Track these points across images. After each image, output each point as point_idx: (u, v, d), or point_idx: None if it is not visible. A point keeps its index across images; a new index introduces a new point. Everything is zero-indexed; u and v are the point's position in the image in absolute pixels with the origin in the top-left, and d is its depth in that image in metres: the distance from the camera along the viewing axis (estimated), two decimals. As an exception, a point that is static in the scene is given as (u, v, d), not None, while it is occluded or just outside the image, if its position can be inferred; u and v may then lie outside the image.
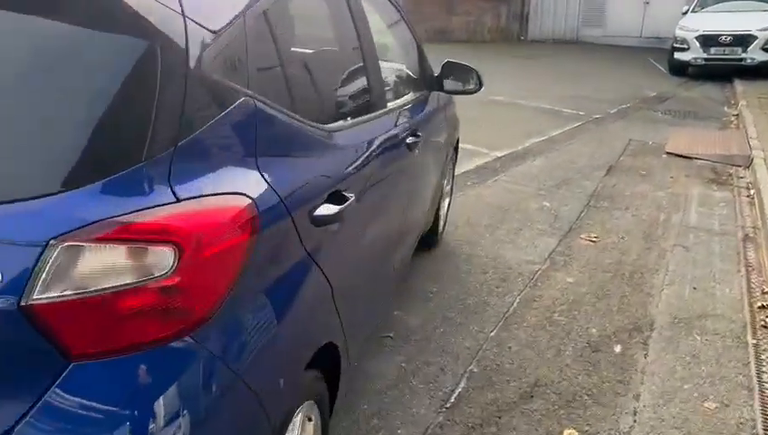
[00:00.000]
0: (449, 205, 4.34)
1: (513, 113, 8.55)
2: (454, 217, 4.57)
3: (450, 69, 3.30)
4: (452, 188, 4.38)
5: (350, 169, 1.92)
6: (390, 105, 2.61)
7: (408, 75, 3.23)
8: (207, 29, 1.36)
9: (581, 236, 4.47)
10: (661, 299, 3.60)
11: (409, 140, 2.61)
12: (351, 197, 1.79)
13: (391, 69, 3.11)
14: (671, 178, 5.92)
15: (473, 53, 14.45)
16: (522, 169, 6.00)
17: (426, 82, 3.30)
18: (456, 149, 4.22)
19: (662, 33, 16.91)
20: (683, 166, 6.32)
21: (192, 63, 1.29)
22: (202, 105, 1.32)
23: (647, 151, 6.83)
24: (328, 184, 1.72)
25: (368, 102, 2.33)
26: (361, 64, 2.30)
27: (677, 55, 12.55)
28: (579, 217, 4.82)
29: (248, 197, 1.34)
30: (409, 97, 3.03)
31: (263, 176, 1.43)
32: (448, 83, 3.31)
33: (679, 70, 12.64)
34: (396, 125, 2.49)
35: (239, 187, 1.34)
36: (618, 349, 3.10)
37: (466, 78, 3.31)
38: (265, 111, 1.49)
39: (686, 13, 13.38)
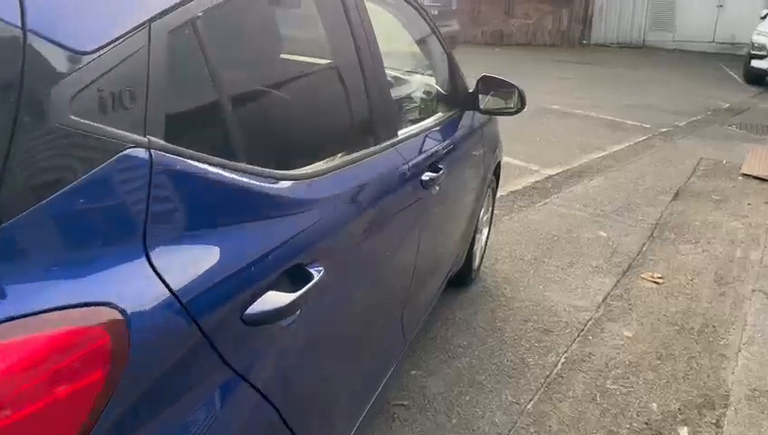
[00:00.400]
0: (488, 236, 3.80)
1: (569, 125, 7.90)
2: (494, 249, 4.03)
3: (487, 85, 2.77)
4: (492, 218, 3.85)
5: (324, 229, 1.43)
6: (404, 133, 2.11)
7: (435, 93, 2.72)
8: (70, 49, 0.90)
9: (643, 275, 3.86)
10: (738, 363, 2.98)
11: (426, 176, 2.10)
12: (319, 272, 1.30)
13: (411, 86, 2.62)
14: (749, 205, 5.21)
15: (530, 58, 13.81)
16: (576, 191, 5.39)
17: (458, 99, 2.78)
18: (498, 173, 3.68)
19: (737, 39, 15.84)
20: (762, 190, 5.58)
21: (31, 101, 0.83)
22: (47, 165, 0.85)
23: (720, 172, 6.10)
24: (280, 260, 1.23)
25: (367, 132, 1.84)
26: (360, 82, 1.81)
27: (755, 63, 11.57)
28: (640, 252, 4.20)
29: (114, 308, 0.87)
30: (435, 119, 2.52)
31: (153, 267, 0.95)
32: (485, 101, 2.78)
33: (756, 79, 11.64)
34: (407, 159, 1.99)
35: (100, 292, 0.87)
36: (684, 432, 2.51)
37: (507, 96, 2.78)
38: (170, 165, 1.02)
39: (765, 17, 12.35)
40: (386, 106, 1.95)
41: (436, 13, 10.34)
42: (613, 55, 15.58)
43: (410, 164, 2.01)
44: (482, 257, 3.72)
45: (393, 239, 1.91)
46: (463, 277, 3.46)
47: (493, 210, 3.84)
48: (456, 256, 3.04)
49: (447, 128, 2.60)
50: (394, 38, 2.53)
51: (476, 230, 3.40)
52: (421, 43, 2.72)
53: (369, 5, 1.95)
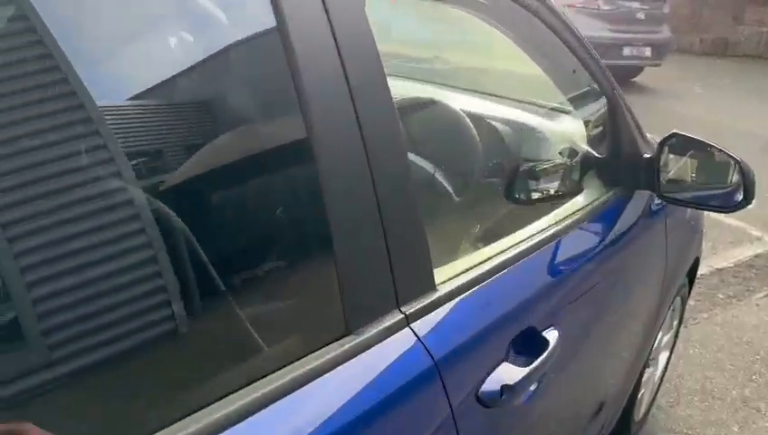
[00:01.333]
0: (667, 363, 2.46)
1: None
2: (677, 372, 2.68)
3: (681, 148, 1.52)
4: (677, 335, 2.49)
5: None
6: (466, 267, 0.98)
7: (578, 160, 1.52)
8: None
9: None
10: None
11: (492, 383, 0.94)
12: None
13: (522, 148, 1.47)
14: None
15: (762, 73, 11.41)
16: (818, 276, 3.74)
17: (622, 171, 1.56)
18: (694, 269, 2.34)
19: None
20: None
21: None
22: None
23: None
24: None
25: (324, 310, 0.75)
26: (312, 191, 0.73)
27: None
28: None
29: None
30: (564, 215, 1.34)
31: None
32: (672, 177, 1.53)
33: None
34: (435, 351, 0.85)
35: None
36: None
37: (716, 173, 1.50)
38: None
39: None
40: (397, 226, 0.83)
41: (642, 17, 8.65)
42: None
43: (445, 366, 0.86)
44: (653, 399, 2.40)
45: None
46: (618, 431, 2.19)
47: (680, 325, 2.49)
48: (599, 426, 1.81)
49: (590, 228, 1.40)
50: (497, 60, 1.38)
51: (646, 364, 2.12)
52: (557, 73, 1.53)
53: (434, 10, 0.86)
